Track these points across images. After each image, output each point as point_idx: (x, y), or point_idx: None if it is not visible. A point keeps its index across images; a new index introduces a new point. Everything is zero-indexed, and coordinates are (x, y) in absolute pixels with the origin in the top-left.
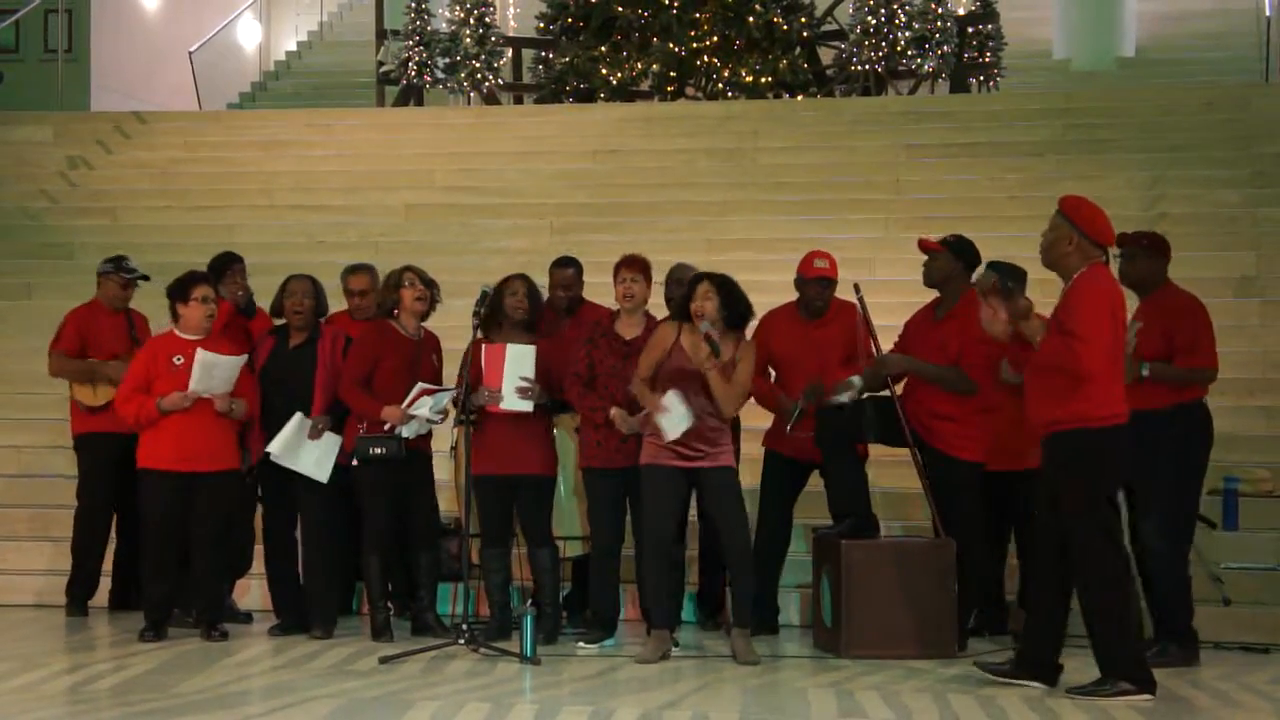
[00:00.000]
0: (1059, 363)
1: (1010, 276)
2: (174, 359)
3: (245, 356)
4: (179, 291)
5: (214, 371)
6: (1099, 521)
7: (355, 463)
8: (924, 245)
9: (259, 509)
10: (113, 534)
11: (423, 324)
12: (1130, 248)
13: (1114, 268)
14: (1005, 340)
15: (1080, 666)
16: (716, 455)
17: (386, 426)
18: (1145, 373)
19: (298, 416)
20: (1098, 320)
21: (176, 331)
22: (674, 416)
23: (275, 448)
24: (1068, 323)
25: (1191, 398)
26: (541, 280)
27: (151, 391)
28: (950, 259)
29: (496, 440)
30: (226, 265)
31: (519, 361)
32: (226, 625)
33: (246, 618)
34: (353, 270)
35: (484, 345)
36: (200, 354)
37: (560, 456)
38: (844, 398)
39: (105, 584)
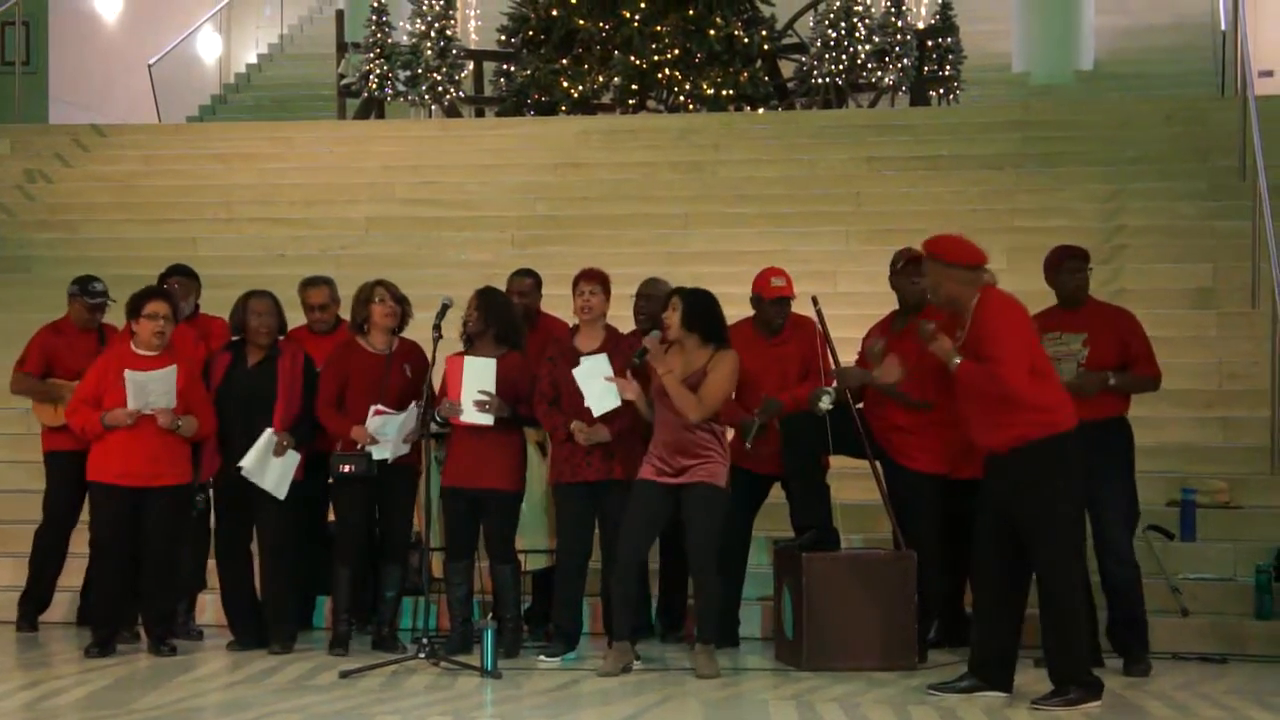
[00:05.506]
0: (984, 389)
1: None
2: (123, 374)
3: (174, 367)
4: (132, 307)
5: (148, 387)
6: (1070, 533)
7: (330, 481)
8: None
9: (213, 521)
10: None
11: (396, 335)
12: (1082, 261)
13: (1092, 279)
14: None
15: (1034, 679)
16: (698, 469)
17: (358, 446)
18: (1113, 381)
19: (269, 432)
20: (1009, 339)
21: (132, 347)
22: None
23: (247, 462)
24: (981, 349)
25: (1126, 409)
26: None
27: (102, 405)
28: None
29: (464, 454)
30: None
31: (477, 375)
32: (175, 641)
33: (198, 634)
34: (311, 283)
35: (449, 359)
36: (128, 375)
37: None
38: (824, 404)
39: (70, 599)
